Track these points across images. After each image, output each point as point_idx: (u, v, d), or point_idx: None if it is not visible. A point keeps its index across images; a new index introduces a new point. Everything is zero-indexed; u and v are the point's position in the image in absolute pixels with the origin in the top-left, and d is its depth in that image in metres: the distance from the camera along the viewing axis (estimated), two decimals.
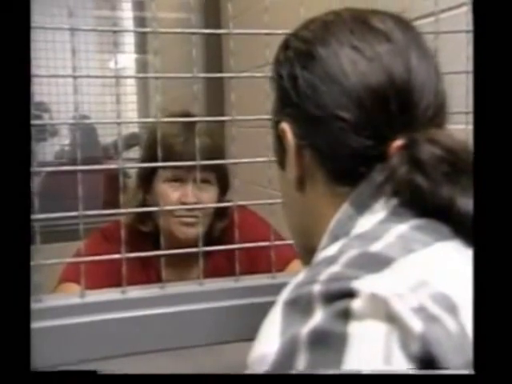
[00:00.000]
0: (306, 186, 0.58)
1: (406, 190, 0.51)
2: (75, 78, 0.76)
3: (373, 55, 0.53)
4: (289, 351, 0.41)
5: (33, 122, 0.73)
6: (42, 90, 2.84)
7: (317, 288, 0.43)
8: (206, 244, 0.85)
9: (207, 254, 0.95)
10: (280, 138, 0.59)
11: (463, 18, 0.79)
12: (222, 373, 0.79)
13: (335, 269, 0.45)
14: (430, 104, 0.54)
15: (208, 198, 1.18)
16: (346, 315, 0.41)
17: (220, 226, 1.23)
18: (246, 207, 1.20)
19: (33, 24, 0.71)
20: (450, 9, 0.94)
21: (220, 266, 1.13)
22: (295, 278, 0.47)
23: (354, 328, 0.40)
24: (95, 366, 0.76)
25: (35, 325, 0.71)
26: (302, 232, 0.63)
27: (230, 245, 0.87)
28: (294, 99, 0.57)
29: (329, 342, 0.40)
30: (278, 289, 0.83)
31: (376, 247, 0.47)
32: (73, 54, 0.77)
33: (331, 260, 0.46)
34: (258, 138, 0.90)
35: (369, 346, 0.40)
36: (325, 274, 0.44)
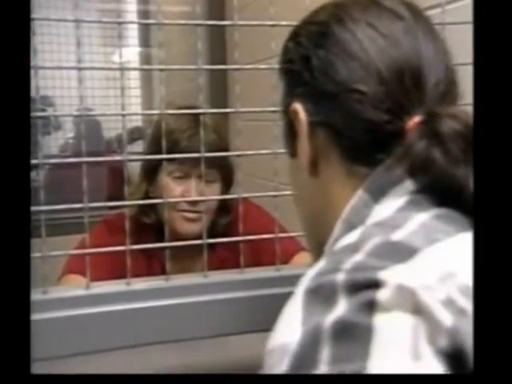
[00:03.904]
0: (319, 168, 0.57)
1: (421, 167, 0.50)
2: (80, 69, 0.76)
3: (386, 32, 0.54)
4: (311, 342, 0.40)
5: (37, 114, 0.73)
6: (47, 83, 2.84)
7: (340, 277, 0.42)
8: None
9: (211, 248, 0.95)
10: (291, 122, 0.58)
11: (470, 8, 0.78)
12: (232, 366, 0.80)
13: (359, 257, 0.43)
14: (440, 79, 0.55)
15: (211, 194, 1.18)
16: (372, 306, 0.39)
17: (223, 221, 1.23)
18: (250, 200, 1.20)
19: (36, 16, 0.71)
20: (457, 0, 0.93)
21: (225, 260, 1.13)
22: (316, 265, 0.45)
23: (380, 320, 0.39)
24: (100, 358, 0.76)
25: (40, 316, 0.71)
26: (314, 222, 0.61)
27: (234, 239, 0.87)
28: (306, 79, 0.56)
29: (354, 334, 0.39)
30: (282, 281, 0.83)
31: (398, 236, 0.45)
32: (77, 46, 0.77)
33: (354, 248, 0.45)
34: (262, 131, 0.90)
35: (396, 340, 0.38)
36: (349, 263, 0.43)
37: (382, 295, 0.40)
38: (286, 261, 1.08)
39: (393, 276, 0.41)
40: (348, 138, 0.54)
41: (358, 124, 0.53)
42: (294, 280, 0.86)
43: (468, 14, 0.78)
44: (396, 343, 0.38)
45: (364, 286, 0.40)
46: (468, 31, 0.78)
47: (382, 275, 0.41)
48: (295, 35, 0.59)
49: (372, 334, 0.38)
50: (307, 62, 0.56)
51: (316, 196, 0.58)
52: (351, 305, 0.40)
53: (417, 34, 0.55)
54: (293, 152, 0.60)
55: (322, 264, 0.45)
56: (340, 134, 0.55)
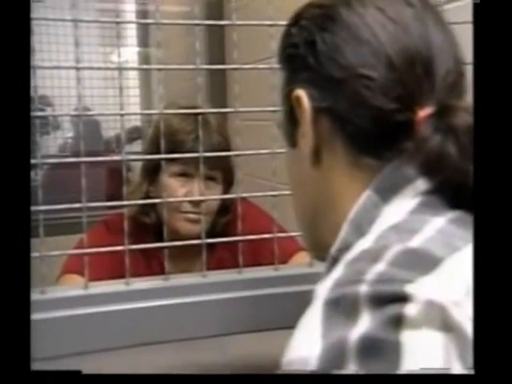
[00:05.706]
0: (322, 158, 0.54)
1: (435, 164, 0.48)
2: (78, 69, 0.76)
3: (396, 17, 0.52)
4: (335, 358, 0.37)
5: (35, 113, 0.73)
6: (45, 83, 2.84)
7: (364, 289, 0.39)
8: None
9: (210, 248, 0.95)
10: (291, 109, 0.55)
11: (468, 8, 0.78)
12: (231, 366, 0.80)
13: (381, 267, 0.41)
14: (449, 70, 0.53)
15: (213, 195, 1.18)
16: (399, 322, 0.37)
17: (222, 221, 1.23)
18: (249, 200, 1.20)
19: (35, 15, 0.71)
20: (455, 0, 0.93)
21: (223, 260, 1.13)
22: (333, 274, 0.43)
23: (409, 337, 0.37)
24: (98, 358, 0.76)
25: (39, 316, 0.71)
26: (313, 219, 0.58)
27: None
28: (311, 63, 0.54)
29: (381, 351, 0.37)
30: (280, 281, 0.83)
31: (416, 242, 0.43)
32: (76, 46, 0.77)
33: (373, 256, 0.42)
34: (261, 131, 0.90)
35: (427, 358, 0.37)
36: (371, 274, 0.40)
37: (410, 310, 0.38)
38: (285, 261, 1.08)
39: (421, 290, 0.39)
40: (354, 126, 0.52)
41: (364, 111, 0.51)
42: (292, 280, 0.86)
43: (466, 14, 0.79)
44: (428, 361, 0.37)
45: (390, 300, 0.38)
46: (467, 31, 0.78)
47: (409, 289, 0.39)
48: (298, 19, 0.57)
49: (401, 351, 0.37)
50: (312, 46, 0.54)
51: (317, 189, 0.56)
52: (377, 319, 0.38)
53: (426, 22, 0.53)
54: (292, 142, 0.57)
55: (339, 273, 0.43)
56: (345, 122, 0.52)
